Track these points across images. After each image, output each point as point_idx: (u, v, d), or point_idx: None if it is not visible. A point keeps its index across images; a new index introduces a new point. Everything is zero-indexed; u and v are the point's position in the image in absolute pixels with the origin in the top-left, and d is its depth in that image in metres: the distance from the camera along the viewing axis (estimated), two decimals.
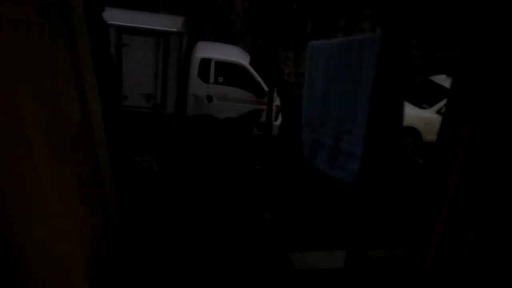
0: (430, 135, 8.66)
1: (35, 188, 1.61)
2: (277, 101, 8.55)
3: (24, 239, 1.69)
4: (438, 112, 8.64)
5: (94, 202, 2.23)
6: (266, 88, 8.07)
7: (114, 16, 7.37)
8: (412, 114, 8.61)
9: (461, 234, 2.06)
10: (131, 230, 2.93)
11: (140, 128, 7.06)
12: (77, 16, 1.92)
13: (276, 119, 8.45)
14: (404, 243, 2.94)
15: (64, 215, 1.77)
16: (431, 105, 8.78)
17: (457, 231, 2.09)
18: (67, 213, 1.80)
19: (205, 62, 8.08)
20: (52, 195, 1.67)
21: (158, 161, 3.73)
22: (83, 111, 2.01)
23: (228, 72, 8.20)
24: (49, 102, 1.63)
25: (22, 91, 1.43)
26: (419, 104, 8.87)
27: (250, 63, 8.39)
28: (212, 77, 8.12)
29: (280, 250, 3.75)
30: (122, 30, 7.39)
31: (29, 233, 1.69)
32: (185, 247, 2.99)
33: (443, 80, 9.33)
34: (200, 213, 3.08)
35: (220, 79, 8.18)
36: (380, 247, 3.40)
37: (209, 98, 8.13)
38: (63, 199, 1.75)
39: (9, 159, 1.51)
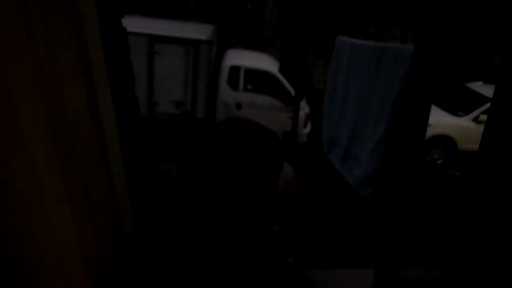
0: (466, 144, 8.34)
1: (36, 199, 1.53)
2: (306, 109, 8.47)
3: (21, 253, 1.62)
4: (474, 120, 8.33)
5: (104, 212, 2.11)
6: None
7: (147, 25, 7.56)
8: (447, 122, 8.34)
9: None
10: (145, 242, 2.82)
11: (168, 136, 7.13)
12: (88, 21, 1.82)
13: (305, 127, 8.37)
14: (440, 262, 2.76)
15: (67, 229, 1.67)
16: (467, 112, 8.47)
17: (508, 252, 1.94)
18: (71, 227, 1.68)
19: (235, 69, 8.12)
20: (55, 207, 1.58)
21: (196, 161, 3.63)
22: (93, 116, 1.90)
23: (258, 80, 8.20)
24: (54, 107, 1.52)
25: (22, 93, 1.37)
26: (454, 111, 8.57)
27: (279, 71, 8.37)
28: (241, 85, 8.14)
29: (297, 266, 3.56)
30: (154, 38, 7.55)
31: (28, 247, 1.61)
32: (198, 260, 2.87)
33: (480, 87, 8.99)
34: (216, 221, 2.98)
35: (249, 87, 8.19)
36: (413, 267, 3.20)
37: (238, 106, 8.15)
38: (67, 211, 1.64)
39: (8, 167, 1.44)
